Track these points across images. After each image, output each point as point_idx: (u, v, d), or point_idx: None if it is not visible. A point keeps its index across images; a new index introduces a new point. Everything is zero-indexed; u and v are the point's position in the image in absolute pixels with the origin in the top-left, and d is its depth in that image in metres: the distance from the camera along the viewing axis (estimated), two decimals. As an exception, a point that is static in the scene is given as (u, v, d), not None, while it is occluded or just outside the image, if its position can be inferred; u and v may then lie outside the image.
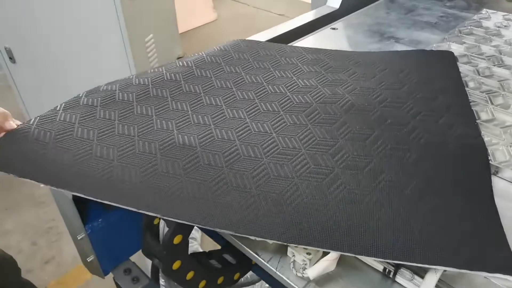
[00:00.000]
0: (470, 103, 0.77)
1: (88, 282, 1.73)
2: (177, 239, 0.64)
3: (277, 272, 0.57)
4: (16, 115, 0.65)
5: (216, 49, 0.94)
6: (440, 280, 0.52)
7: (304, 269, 0.55)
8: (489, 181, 0.60)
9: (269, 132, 0.69)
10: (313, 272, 0.54)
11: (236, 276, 0.81)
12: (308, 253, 0.56)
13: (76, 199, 0.75)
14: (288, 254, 0.58)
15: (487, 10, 1.23)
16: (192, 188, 0.59)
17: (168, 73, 0.83)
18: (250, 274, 1.15)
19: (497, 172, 0.64)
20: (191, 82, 0.82)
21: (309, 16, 1.27)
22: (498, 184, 0.63)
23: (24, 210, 2.10)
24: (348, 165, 0.62)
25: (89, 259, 0.85)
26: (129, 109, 0.73)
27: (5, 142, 0.64)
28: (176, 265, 0.66)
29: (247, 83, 0.82)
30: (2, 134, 0.64)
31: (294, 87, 0.81)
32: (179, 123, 0.70)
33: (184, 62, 0.88)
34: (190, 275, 0.70)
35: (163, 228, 0.66)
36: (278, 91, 0.80)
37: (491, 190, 0.59)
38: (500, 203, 0.58)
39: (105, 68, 2.00)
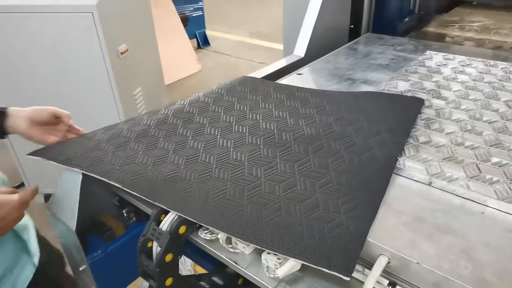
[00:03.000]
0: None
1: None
2: (168, 257, 0.75)
3: (253, 276, 0.68)
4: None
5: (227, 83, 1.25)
6: (387, 272, 0.64)
7: (276, 269, 0.66)
8: (381, 193, 0.76)
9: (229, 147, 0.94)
10: (282, 271, 0.65)
11: (224, 295, 0.91)
12: (278, 258, 0.68)
13: (78, 232, 0.85)
14: (262, 261, 0.70)
15: (430, 51, 1.43)
16: (199, 193, 0.78)
17: (204, 98, 1.16)
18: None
19: (430, 183, 0.78)
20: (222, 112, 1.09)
21: (280, 63, 1.46)
22: (433, 192, 0.77)
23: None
24: (273, 178, 0.82)
25: (89, 290, 0.94)
26: (173, 131, 1.00)
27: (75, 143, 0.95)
28: (168, 281, 0.77)
29: (246, 118, 1.06)
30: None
31: (269, 116, 1.05)
32: (205, 144, 0.94)
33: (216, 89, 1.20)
34: (181, 292, 0.80)
35: (156, 250, 0.77)
36: (254, 119, 1.05)
37: (378, 205, 0.73)
38: (427, 205, 0.72)
39: (98, 120, 2.14)
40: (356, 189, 0.77)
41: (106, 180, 0.83)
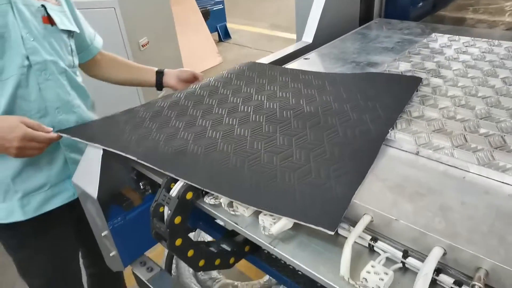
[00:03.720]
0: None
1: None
2: (177, 220, 0.84)
3: (251, 235, 0.77)
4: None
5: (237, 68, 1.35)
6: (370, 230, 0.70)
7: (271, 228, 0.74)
8: (369, 162, 0.82)
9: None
10: (275, 229, 0.73)
11: (232, 260, 1.00)
12: (274, 219, 0.76)
13: (100, 201, 0.96)
14: (259, 222, 0.78)
15: (436, 34, 1.45)
16: (204, 163, 0.88)
17: (215, 82, 1.26)
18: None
19: (418, 152, 0.83)
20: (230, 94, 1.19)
21: (289, 49, 1.52)
22: (419, 160, 0.82)
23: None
24: (271, 150, 0.90)
25: (111, 254, 1.05)
26: (184, 111, 1.10)
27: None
28: (178, 242, 0.86)
29: (252, 99, 1.14)
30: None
31: (273, 97, 1.13)
32: (213, 123, 1.02)
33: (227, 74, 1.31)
34: (190, 253, 0.89)
35: (166, 214, 0.86)
36: (259, 99, 1.13)
37: (365, 172, 0.80)
38: (412, 171, 0.78)
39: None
40: (347, 159, 0.84)
41: (123, 154, 0.93)
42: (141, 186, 1.06)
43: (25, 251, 1.22)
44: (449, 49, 1.32)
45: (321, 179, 0.79)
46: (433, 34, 1.46)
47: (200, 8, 5.09)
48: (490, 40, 1.35)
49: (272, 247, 0.73)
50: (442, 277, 0.62)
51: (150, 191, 1.06)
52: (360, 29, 1.68)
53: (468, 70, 1.15)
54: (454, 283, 0.61)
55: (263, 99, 1.12)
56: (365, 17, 1.91)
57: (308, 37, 1.53)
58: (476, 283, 0.58)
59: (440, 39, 1.41)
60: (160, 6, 2.57)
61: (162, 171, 0.87)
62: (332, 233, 0.68)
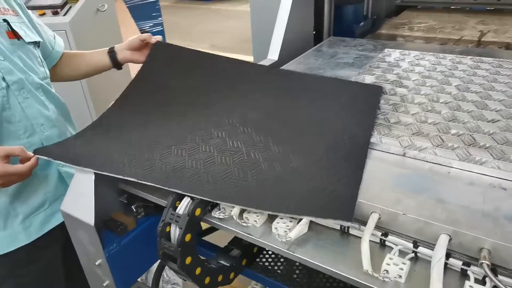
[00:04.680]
0: (381, 114, 1.08)
1: None
2: (188, 237, 0.84)
3: (268, 243, 0.79)
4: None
5: None
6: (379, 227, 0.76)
7: (287, 234, 0.77)
8: (362, 165, 0.89)
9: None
10: (293, 234, 0.76)
11: (232, 275, 1.01)
12: (287, 226, 0.79)
13: (96, 226, 0.92)
14: (273, 230, 0.81)
15: (388, 49, 1.61)
16: (207, 177, 0.89)
17: None
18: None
19: (404, 153, 0.92)
20: None
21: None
22: (407, 161, 0.91)
23: None
24: (269, 158, 0.94)
25: (105, 284, 0.99)
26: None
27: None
28: (188, 260, 0.85)
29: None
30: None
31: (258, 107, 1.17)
32: (203, 138, 1.04)
33: None
34: (198, 271, 0.89)
35: (174, 233, 0.85)
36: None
37: (362, 169, 0.88)
38: (404, 171, 0.86)
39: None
40: (342, 161, 0.90)
41: (120, 177, 0.91)
42: (134, 209, 1.03)
43: (13, 281, 1.13)
44: (403, 62, 1.47)
45: (323, 183, 0.85)
46: (386, 49, 1.61)
47: (140, 30, 5.01)
48: (435, 53, 1.52)
49: (291, 253, 0.76)
50: (452, 261, 0.70)
51: (143, 213, 1.04)
52: (318, 47, 1.80)
53: (425, 80, 1.29)
54: (463, 264, 0.69)
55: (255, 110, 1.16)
56: (317, 36, 2.04)
57: (274, 55, 1.61)
58: (483, 261, 0.66)
59: (393, 54, 1.56)
60: (111, 28, 2.51)
61: (167, 188, 0.86)
62: (350, 223, 0.73)
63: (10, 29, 1.09)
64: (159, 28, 5.79)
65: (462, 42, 1.96)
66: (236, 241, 1.03)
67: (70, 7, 2.13)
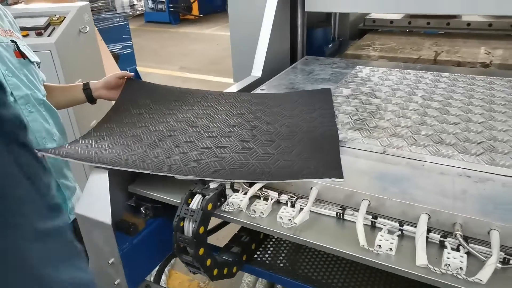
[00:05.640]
0: (358, 119, 1.24)
1: None
2: (201, 230, 0.93)
3: (274, 230, 0.90)
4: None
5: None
6: (369, 212, 0.89)
7: (291, 221, 0.88)
8: (337, 141, 1.09)
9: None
10: (298, 219, 0.88)
11: (234, 269, 1.10)
12: (291, 214, 0.91)
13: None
14: (278, 219, 0.92)
15: (359, 66, 1.80)
16: (215, 164, 1.01)
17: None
18: None
19: (385, 151, 1.07)
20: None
21: (244, 82, 1.71)
22: (388, 157, 1.06)
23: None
24: (262, 145, 1.09)
25: (116, 282, 1.05)
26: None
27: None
28: (201, 251, 0.94)
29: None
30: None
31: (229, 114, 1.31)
32: (197, 137, 1.16)
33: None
34: (208, 262, 0.98)
35: (187, 227, 0.94)
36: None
37: (338, 143, 1.08)
38: (386, 166, 1.00)
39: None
40: (321, 139, 1.10)
41: (136, 171, 0.99)
42: (143, 211, 1.10)
43: None
44: (374, 77, 1.65)
45: (313, 154, 1.04)
46: (357, 66, 1.80)
47: (110, 53, 5.05)
48: (400, 69, 1.72)
49: (297, 237, 0.87)
50: (432, 235, 0.84)
51: (151, 214, 1.11)
52: (296, 65, 1.97)
53: (395, 91, 1.47)
54: (441, 237, 0.83)
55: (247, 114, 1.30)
56: (292, 55, 2.22)
57: (257, 72, 1.75)
58: (457, 232, 0.80)
59: (364, 70, 1.74)
60: (91, 49, 2.57)
61: (181, 176, 0.97)
62: (343, 180, 0.92)
63: (17, 49, 1.16)
64: (129, 50, 5.86)
65: (420, 61, 2.20)
66: (236, 239, 1.13)
67: (54, 28, 2.19)
